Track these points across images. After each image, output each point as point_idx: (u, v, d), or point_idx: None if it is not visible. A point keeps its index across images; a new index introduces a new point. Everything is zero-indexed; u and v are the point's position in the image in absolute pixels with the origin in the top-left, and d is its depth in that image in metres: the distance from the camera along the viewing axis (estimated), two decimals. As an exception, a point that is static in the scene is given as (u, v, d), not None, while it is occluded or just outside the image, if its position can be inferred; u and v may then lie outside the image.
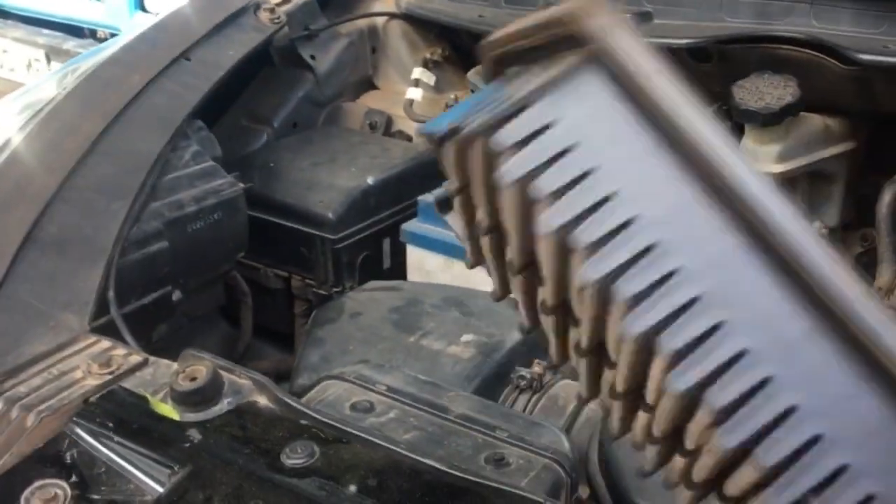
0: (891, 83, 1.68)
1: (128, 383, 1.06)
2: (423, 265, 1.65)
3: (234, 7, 1.81)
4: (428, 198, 1.66)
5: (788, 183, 1.76)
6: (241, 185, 1.55)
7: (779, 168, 1.71)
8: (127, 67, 1.56)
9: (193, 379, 1.03)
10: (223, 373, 1.05)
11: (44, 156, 1.34)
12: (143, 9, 3.95)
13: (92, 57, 1.61)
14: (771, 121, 1.66)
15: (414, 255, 1.66)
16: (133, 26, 3.90)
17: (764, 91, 1.68)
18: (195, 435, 0.98)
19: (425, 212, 1.66)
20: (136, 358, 1.10)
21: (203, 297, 1.56)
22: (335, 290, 1.72)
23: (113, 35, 4.00)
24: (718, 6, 1.82)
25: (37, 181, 1.29)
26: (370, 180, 1.75)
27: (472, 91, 2.11)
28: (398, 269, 1.74)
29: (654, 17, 1.89)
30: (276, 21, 1.88)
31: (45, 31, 4.13)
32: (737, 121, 1.74)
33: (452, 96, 2.08)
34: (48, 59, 4.02)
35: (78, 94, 1.46)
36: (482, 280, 1.55)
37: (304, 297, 1.75)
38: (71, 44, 4.04)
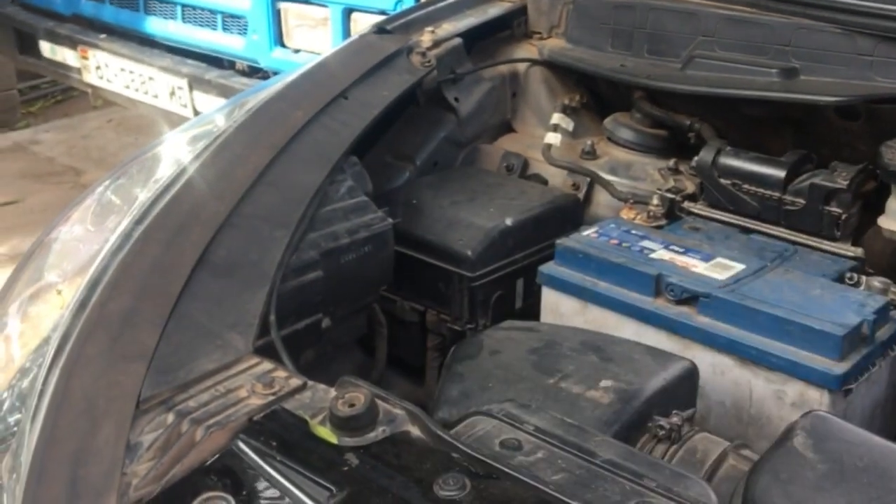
0: None
1: (289, 405, 1.12)
2: (558, 308, 1.68)
3: (388, 50, 1.89)
4: (566, 242, 1.69)
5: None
6: (391, 220, 1.61)
7: (925, 231, 1.69)
8: (291, 104, 1.64)
9: (352, 405, 1.08)
10: (379, 401, 1.10)
11: (216, 184, 1.42)
12: (282, 44, 4.11)
13: (258, 92, 1.70)
14: (919, 183, 1.65)
15: (549, 297, 1.69)
16: (272, 60, 4.08)
17: (913, 153, 1.66)
18: (352, 460, 1.03)
19: (563, 255, 1.69)
20: (296, 381, 1.16)
21: (348, 325, 1.62)
22: (469, 326, 1.76)
23: (252, 68, 4.19)
24: (869, 65, 1.80)
25: (209, 207, 1.37)
26: (508, 221, 1.79)
27: (609, 138, 2.14)
28: (529, 310, 1.77)
29: (800, 73, 1.88)
30: (427, 64, 1.95)
31: (189, 61, 4.33)
32: (884, 181, 1.72)
33: (588, 142, 2.11)
34: (191, 88, 4.21)
35: (246, 128, 1.55)
36: (614, 325, 1.58)
37: (437, 331, 1.80)
38: (212, 74, 4.22)
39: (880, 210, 1.73)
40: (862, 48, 1.82)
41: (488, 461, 1.01)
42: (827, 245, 1.76)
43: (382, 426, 1.08)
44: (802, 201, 1.78)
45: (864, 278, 1.64)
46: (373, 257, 1.57)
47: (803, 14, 1.88)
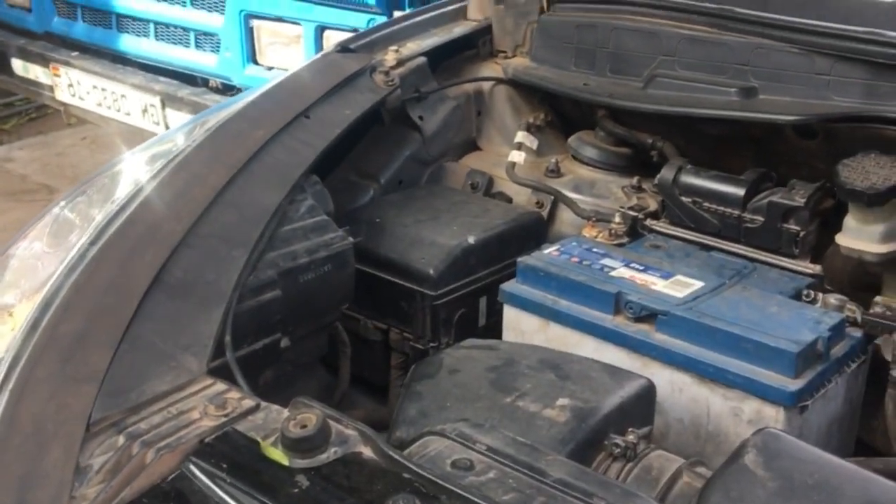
0: None
1: (241, 426, 1.12)
2: (519, 325, 1.68)
3: (352, 69, 1.90)
4: (527, 260, 1.70)
5: (890, 264, 1.74)
6: (351, 239, 1.62)
7: (881, 248, 1.70)
8: (251, 123, 1.65)
9: (304, 426, 1.08)
10: (331, 422, 1.10)
11: (173, 204, 1.42)
12: (255, 62, 4.12)
13: (219, 111, 1.71)
14: (876, 201, 1.66)
15: (511, 315, 1.70)
16: (245, 78, 4.08)
17: (870, 171, 1.68)
18: (303, 481, 1.03)
19: (524, 273, 1.69)
20: (249, 402, 1.16)
21: (308, 345, 1.62)
22: (431, 344, 1.77)
23: (225, 85, 4.19)
24: (826, 85, 1.83)
25: (166, 227, 1.37)
26: (471, 240, 1.80)
27: (573, 156, 2.16)
28: (493, 328, 1.77)
29: (759, 92, 1.91)
30: (391, 83, 1.96)
31: (162, 79, 4.32)
32: (841, 199, 1.74)
33: (553, 160, 2.13)
34: (163, 106, 4.21)
35: (206, 147, 1.56)
36: (575, 343, 1.59)
37: (401, 350, 1.80)
38: (185, 92, 4.21)
39: (838, 227, 1.75)
40: (819, 68, 1.84)
41: (439, 482, 1.01)
42: (785, 262, 1.78)
43: (334, 447, 1.08)
44: (761, 219, 1.80)
45: (820, 295, 1.66)
46: (333, 276, 1.57)
47: (761, 34, 1.90)
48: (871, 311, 1.61)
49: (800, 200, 1.76)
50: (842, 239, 1.73)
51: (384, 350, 1.82)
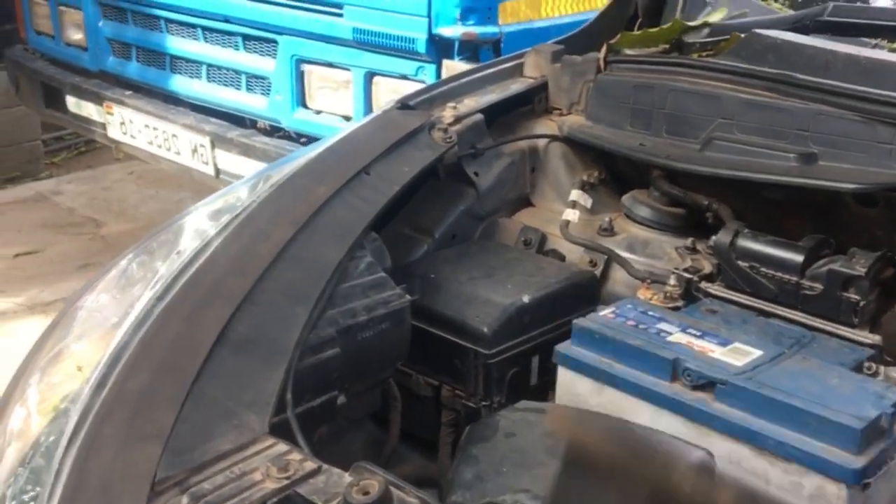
0: None
1: (303, 489, 1.12)
2: (574, 388, 1.67)
3: (411, 126, 1.92)
4: (583, 322, 1.69)
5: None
6: (409, 297, 1.62)
7: (942, 320, 1.68)
8: (314, 179, 1.67)
9: (366, 493, 1.08)
10: (393, 489, 1.10)
11: (238, 259, 1.44)
12: (305, 105, 4.18)
13: (282, 166, 1.73)
14: (939, 272, 1.64)
15: (565, 377, 1.68)
16: (294, 121, 4.14)
17: (932, 241, 1.66)
18: (364, 549, 1.03)
19: (579, 335, 1.68)
20: (310, 464, 1.16)
21: (362, 401, 1.62)
22: (483, 403, 1.76)
23: (274, 128, 4.25)
24: (887, 154, 1.82)
25: (230, 283, 1.39)
26: (525, 299, 1.80)
27: (626, 215, 2.16)
28: (545, 387, 1.76)
29: (819, 158, 1.90)
30: (448, 140, 1.98)
31: (212, 120, 4.39)
32: (902, 269, 1.72)
33: (606, 219, 2.13)
34: (213, 146, 4.28)
35: (270, 202, 1.58)
36: (631, 409, 1.57)
37: (452, 407, 1.79)
38: (234, 133, 4.28)
39: (899, 298, 1.73)
40: (880, 136, 1.83)
41: (502, 556, 1.00)
42: (844, 331, 1.75)
43: (399, 515, 1.07)
44: (820, 286, 1.78)
45: (882, 368, 1.63)
46: (390, 334, 1.57)
47: (822, 101, 1.90)
48: (934, 385, 1.58)
49: (860, 269, 1.74)
50: (903, 310, 1.71)
51: (435, 406, 1.81)
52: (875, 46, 2.19)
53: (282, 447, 1.19)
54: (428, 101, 2.08)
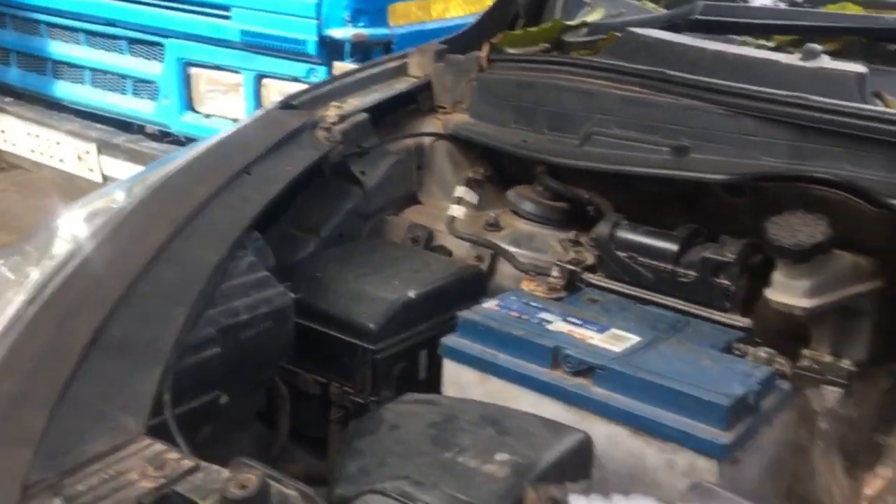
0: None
1: (180, 487, 1.11)
2: (459, 379, 1.70)
3: (293, 125, 1.92)
4: (467, 314, 1.72)
5: (817, 318, 1.81)
6: (292, 295, 1.62)
7: (808, 303, 1.76)
8: (192, 180, 1.65)
9: (244, 487, 1.08)
10: (272, 482, 1.10)
11: (113, 262, 1.42)
12: (193, 109, 4.12)
13: (158, 168, 1.71)
14: (802, 257, 1.72)
15: (450, 368, 1.71)
16: (182, 125, 4.08)
17: (796, 228, 1.74)
18: (243, 543, 1.03)
19: (464, 327, 1.72)
20: (187, 462, 1.16)
21: (247, 400, 1.61)
22: (372, 398, 1.77)
23: (162, 132, 4.18)
24: (753, 145, 1.89)
25: (105, 286, 1.37)
26: (412, 294, 1.82)
27: (512, 210, 2.20)
28: (433, 381, 1.78)
29: (690, 151, 1.97)
30: (332, 139, 1.98)
31: (98, 126, 4.30)
32: (770, 255, 1.80)
33: (492, 214, 2.16)
34: (99, 153, 4.18)
35: (146, 205, 1.56)
36: (514, 397, 1.61)
37: (340, 404, 1.80)
38: (121, 138, 4.20)
39: (767, 282, 1.80)
40: (746, 129, 1.90)
41: (379, 541, 1.02)
42: (717, 315, 1.83)
43: (275, 508, 1.08)
44: (694, 273, 1.85)
45: (750, 349, 1.71)
46: (273, 332, 1.57)
47: (692, 96, 1.97)
48: (799, 364, 1.67)
49: (730, 256, 1.82)
50: (770, 294, 1.79)
51: (323, 404, 1.81)
52: (742, 44, 2.27)
53: (159, 447, 1.18)
54: (311, 100, 2.09)
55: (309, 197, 2.08)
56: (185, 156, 1.77)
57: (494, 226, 2.15)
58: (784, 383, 1.63)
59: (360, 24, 3.92)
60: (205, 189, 1.63)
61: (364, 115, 2.13)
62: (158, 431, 1.24)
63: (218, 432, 1.55)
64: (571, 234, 2.08)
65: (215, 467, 1.16)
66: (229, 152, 1.80)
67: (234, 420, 1.60)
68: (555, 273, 1.93)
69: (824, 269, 1.79)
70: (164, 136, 4.19)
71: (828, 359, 1.67)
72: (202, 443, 1.47)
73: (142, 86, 4.22)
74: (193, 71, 4.11)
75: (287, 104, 2.05)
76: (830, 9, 2.32)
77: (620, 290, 1.92)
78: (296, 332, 1.70)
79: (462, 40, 2.37)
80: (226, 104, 4.05)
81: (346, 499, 1.23)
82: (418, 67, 2.33)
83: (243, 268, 1.57)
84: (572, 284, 1.94)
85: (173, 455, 1.17)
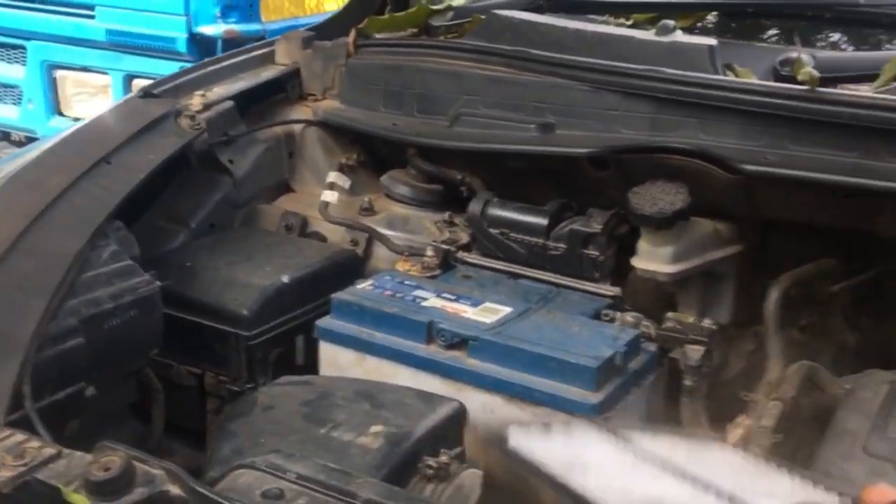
0: (771, 191, 1.83)
1: (41, 475, 1.08)
2: (336, 360, 1.70)
3: (155, 114, 1.88)
4: (341, 295, 1.72)
5: (682, 283, 1.87)
6: (158, 283, 1.59)
7: (672, 269, 1.83)
8: (49, 170, 1.60)
9: (107, 469, 1.05)
10: (137, 463, 1.08)
11: (-34, 255, 1.36)
12: (61, 113, 4.00)
13: (13, 160, 1.65)
14: (664, 224, 1.79)
15: (327, 350, 1.71)
16: (50, 130, 3.94)
17: (657, 197, 1.80)
18: (107, 524, 1.00)
19: (338, 309, 1.72)
20: (49, 450, 1.12)
21: (116, 393, 1.57)
22: (248, 386, 1.75)
23: (29, 138, 4.03)
24: (615, 119, 1.95)
25: (-44, 280, 1.31)
26: (285, 278, 1.81)
27: (386, 194, 2.21)
28: (311, 366, 1.78)
29: (556, 127, 2.01)
30: (197, 127, 1.95)
31: (-41, 133, 4.13)
32: (634, 224, 1.86)
33: (366, 199, 2.16)
34: (-39, 160, 4.00)
35: (0, 196, 1.50)
36: (391, 374, 1.62)
37: (217, 393, 1.78)
38: (-15, 146, 4.04)
39: (634, 251, 1.86)
40: (608, 103, 1.96)
41: (248, 512, 1.01)
42: (587, 286, 1.88)
43: (140, 488, 1.05)
44: (564, 246, 1.89)
45: (618, 314, 1.76)
46: (140, 321, 1.54)
47: (555, 73, 2.01)
48: (664, 326, 1.73)
49: (597, 227, 1.87)
50: (636, 262, 1.85)
51: (199, 395, 1.79)
52: (602, 23, 2.34)
53: (19, 437, 1.14)
54: (173, 89, 2.05)
55: (177, 188, 2.04)
56: (40, 146, 1.71)
57: (369, 210, 2.15)
58: (651, 345, 1.68)
59: (231, 19, 3.87)
60: (62, 179, 1.59)
61: (230, 103, 2.10)
62: (21, 425, 1.20)
63: (88, 426, 1.50)
64: (446, 215, 2.11)
65: (79, 454, 1.13)
66: (88, 141, 1.75)
67: (104, 414, 1.57)
68: (429, 253, 1.94)
69: (686, 235, 1.86)
70: (31, 142, 4.04)
71: (690, 320, 1.73)
72: (71, 437, 1.43)
73: (4, 91, 4.07)
74: (59, 73, 3.98)
75: (148, 93, 2.00)
76: (685, -12, 2.41)
77: (494, 266, 1.95)
78: (167, 323, 1.66)
79: (329, 27, 2.37)
80: (95, 107, 3.93)
81: (217, 480, 1.21)
82: (285, 55, 2.32)
83: (105, 257, 1.53)
84: (447, 263, 1.96)
85: (34, 444, 1.13)
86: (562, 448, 0.60)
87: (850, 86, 1.89)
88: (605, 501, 0.45)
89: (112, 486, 1.04)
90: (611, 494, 0.47)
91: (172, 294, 1.71)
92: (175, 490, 1.06)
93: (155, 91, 2.02)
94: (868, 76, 1.92)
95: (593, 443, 0.65)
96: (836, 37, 2.63)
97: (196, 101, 2.02)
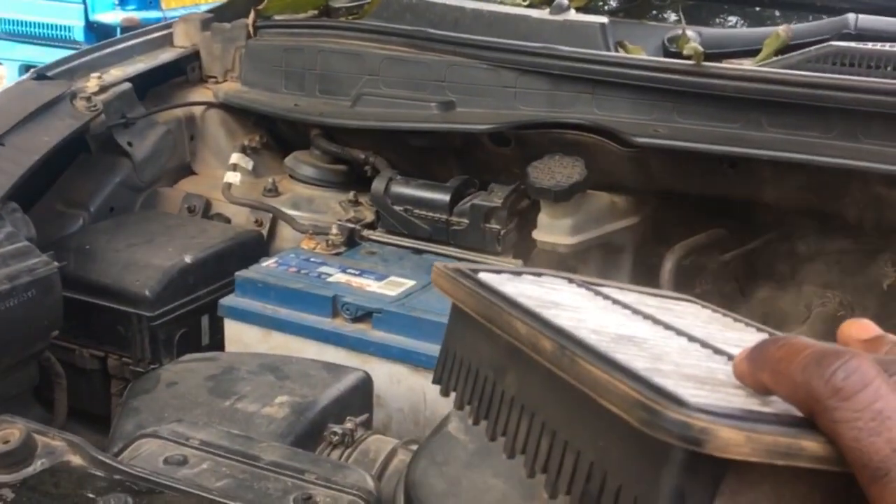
0: (662, 162, 1.90)
1: (-63, 451, 1.06)
2: (241, 338, 1.71)
3: (49, 96, 1.85)
4: (245, 273, 1.73)
5: (581, 254, 1.93)
6: (56, 263, 1.57)
7: (571, 240, 1.89)
8: (-62, 151, 1.57)
9: (6, 442, 1.04)
10: (37, 435, 1.07)
11: None
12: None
13: None
14: (562, 197, 1.84)
15: (232, 328, 1.71)
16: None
17: (555, 171, 1.86)
18: (7, 494, 1.00)
19: (242, 286, 1.72)
20: (-56, 429, 1.11)
21: (16, 376, 1.55)
22: (152, 367, 1.74)
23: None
24: (513, 96, 2.00)
25: None
26: (188, 259, 1.80)
27: (290, 175, 2.21)
28: (217, 346, 1.78)
29: (457, 105, 2.05)
30: (93, 109, 1.92)
31: None
32: (533, 197, 1.91)
33: (270, 180, 2.17)
34: None
35: None
36: (297, 349, 1.63)
37: (121, 376, 1.76)
38: None
39: (535, 224, 1.91)
40: (505, 81, 2.01)
41: (151, 477, 1.02)
42: (490, 259, 1.92)
43: (41, 459, 1.05)
44: (466, 221, 1.93)
45: (519, 284, 1.80)
46: (37, 303, 1.52)
47: (454, 52, 2.05)
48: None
49: (497, 201, 1.91)
50: (537, 234, 1.90)
51: (103, 378, 1.77)
52: (499, 2, 2.38)
53: None
54: (69, 71, 2.01)
55: (75, 171, 2.01)
56: (-72, 128, 1.67)
57: (273, 191, 2.15)
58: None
59: (131, 7, 3.81)
60: (-48, 160, 1.56)
61: (127, 85, 2.08)
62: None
63: (-13, 412, 1.48)
64: (350, 195, 2.12)
65: (-25, 431, 1.11)
66: (-21, 123, 1.71)
67: (6, 398, 1.54)
68: (334, 231, 1.96)
69: (584, 208, 1.92)
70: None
71: (589, 288, 1.78)
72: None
73: None
74: (-52, 63, 3.85)
75: (41, 75, 1.97)
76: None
77: (399, 243, 1.98)
78: (67, 307, 1.64)
79: (228, 9, 2.36)
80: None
81: (121, 450, 1.21)
82: (184, 37, 2.30)
83: (1, 238, 1.51)
84: (352, 241, 1.98)
85: (-74, 424, 1.11)
86: (533, 288, 0.62)
87: (734, 61, 1.97)
88: (580, 333, 0.47)
89: (11, 457, 1.03)
90: (583, 332, 0.49)
91: (72, 277, 1.69)
92: (77, 460, 1.06)
93: (49, 73, 1.98)
94: (751, 51, 2.01)
95: (564, 287, 0.66)
96: (733, 20, 2.74)
97: (92, 83, 1.99)
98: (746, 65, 1.91)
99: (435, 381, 0.66)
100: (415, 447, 1.35)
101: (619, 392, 0.44)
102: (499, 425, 0.59)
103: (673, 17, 2.55)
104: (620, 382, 0.44)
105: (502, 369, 0.59)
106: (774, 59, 1.91)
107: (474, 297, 0.60)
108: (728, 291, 2.06)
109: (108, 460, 1.04)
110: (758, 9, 2.48)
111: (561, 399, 0.51)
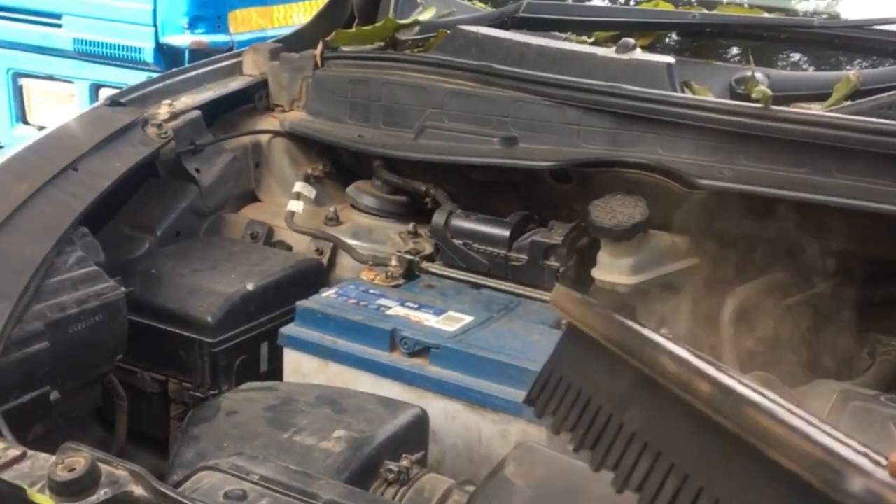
0: (726, 205, 1.88)
1: (6, 475, 1.09)
2: (300, 368, 1.72)
3: (122, 122, 1.90)
4: (305, 303, 1.75)
5: (640, 294, 1.92)
6: (123, 289, 1.60)
7: (631, 280, 1.87)
8: (15, 176, 1.61)
9: (72, 470, 1.07)
10: (101, 464, 1.09)
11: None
12: (25, 121, 3.98)
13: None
14: (622, 236, 1.83)
15: (291, 357, 1.73)
16: (14, 138, 3.92)
17: (617, 210, 1.85)
18: (71, 523, 1.02)
19: (303, 316, 1.74)
20: (14, 451, 1.13)
21: (80, 398, 1.58)
22: (212, 392, 1.76)
23: (-7, 146, 4.01)
24: (576, 134, 1.99)
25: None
26: (249, 286, 1.83)
27: (351, 205, 2.23)
28: (275, 373, 1.80)
29: (519, 141, 2.05)
30: (164, 136, 1.97)
31: (-78, 139, 4.08)
32: (594, 236, 1.90)
33: (332, 209, 2.19)
34: (-77, 167, 3.96)
35: (-35, 204, 1.51)
36: (353, 381, 1.64)
37: (180, 400, 1.79)
38: (-51, 153, 4.00)
39: (594, 263, 1.90)
40: (569, 118, 2.00)
41: (211, 512, 1.03)
42: (548, 296, 1.91)
43: (104, 488, 1.07)
44: (525, 257, 1.93)
45: (578, 324, 1.79)
46: (104, 327, 1.55)
47: (518, 88, 2.06)
48: (623, 335, 1.76)
49: (558, 239, 1.91)
50: (597, 273, 1.89)
51: (163, 401, 1.80)
52: (565, 40, 2.38)
53: (-18, 439, 1.15)
54: (141, 98, 2.06)
55: (143, 196, 2.06)
56: (6, 154, 1.72)
57: (334, 220, 2.18)
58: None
59: (199, 30, 3.88)
60: (28, 185, 1.60)
61: (197, 113, 2.12)
62: (-17, 428, 1.21)
63: (53, 432, 1.51)
64: (410, 226, 2.14)
65: (44, 455, 1.14)
66: (54, 149, 1.76)
67: (69, 419, 1.57)
68: (393, 262, 1.97)
69: (644, 248, 1.90)
70: (-5, 150, 4.02)
71: (648, 330, 1.76)
72: (35, 441, 1.44)
73: (-32, 98, 4.04)
74: (24, 82, 3.97)
75: (115, 101, 2.02)
76: (645, 6, 2.46)
77: (457, 276, 1.98)
78: (131, 330, 1.68)
79: (296, 39, 2.40)
80: (60, 115, 3.92)
81: (180, 482, 1.22)
82: (253, 66, 2.34)
83: (71, 263, 1.55)
84: (411, 273, 1.99)
85: (-3, 446, 1.14)
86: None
87: (803, 104, 1.95)
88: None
89: (76, 486, 1.05)
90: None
91: (137, 301, 1.72)
92: (139, 491, 1.07)
93: (122, 100, 2.03)
94: (820, 95, 1.98)
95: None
96: (796, 57, 2.70)
97: (163, 110, 2.03)
98: (815, 109, 1.89)
99: (527, 402, 0.65)
100: (470, 488, 1.35)
101: (799, 449, 0.43)
102: (609, 458, 0.58)
103: (735, 50, 2.53)
104: (802, 439, 0.43)
105: (623, 402, 0.58)
106: (845, 104, 1.88)
107: (610, 325, 0.59)
108: (790, 337, 2.02)
109: (169, 492, 1.06)
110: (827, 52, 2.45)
111: (703, 443, 0.50)
